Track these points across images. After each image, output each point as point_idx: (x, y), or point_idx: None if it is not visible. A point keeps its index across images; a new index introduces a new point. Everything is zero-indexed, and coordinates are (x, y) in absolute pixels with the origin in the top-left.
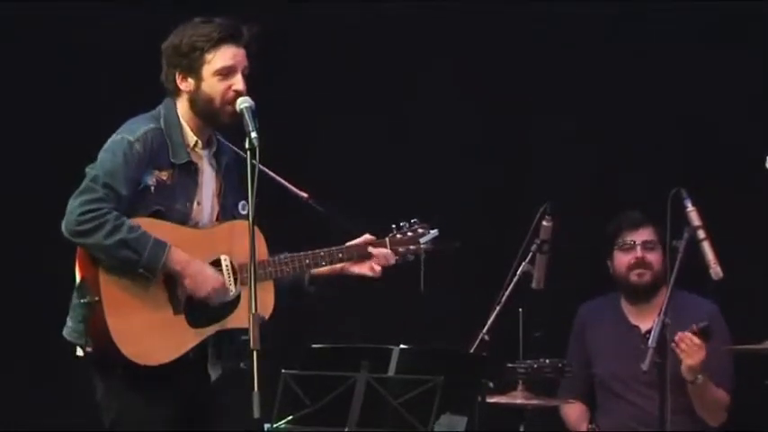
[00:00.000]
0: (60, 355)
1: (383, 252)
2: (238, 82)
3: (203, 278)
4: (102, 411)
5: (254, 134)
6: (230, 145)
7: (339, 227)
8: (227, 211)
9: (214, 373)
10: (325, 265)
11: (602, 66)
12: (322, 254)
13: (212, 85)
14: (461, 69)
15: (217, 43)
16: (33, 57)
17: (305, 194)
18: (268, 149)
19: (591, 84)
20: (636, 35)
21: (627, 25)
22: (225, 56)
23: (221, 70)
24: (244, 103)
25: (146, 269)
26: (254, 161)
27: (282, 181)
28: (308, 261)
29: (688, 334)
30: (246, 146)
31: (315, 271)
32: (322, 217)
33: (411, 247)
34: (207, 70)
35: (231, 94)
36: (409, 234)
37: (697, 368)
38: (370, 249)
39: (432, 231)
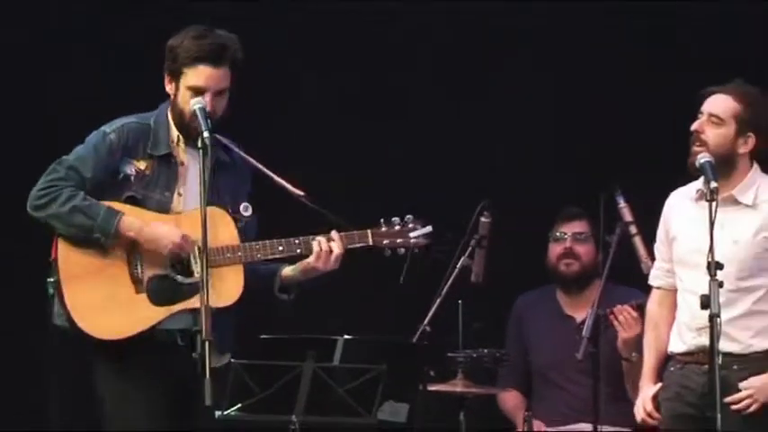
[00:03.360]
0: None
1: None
2: (207, 103)
3: (161, 236)
4: (96, 387)
5: (206, 134)
6: (235, 149)
7: (331, 224)
8: (213, 206)
9: (216, 361)
10: (300, 252)
11: (540, 64)
12: (297, 242)
13: (185, 99)
14: (402, 67)
15: (194, 61)
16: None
17: (300, 192)
18: (264, 145)
19: (529, 83)
20: (573, 35)
21: (561, 26)
22: (199, 76)
23: (192, 88)
24: (197, 104)
25: (100, 232)
26: (205, 156)
27: (277, 178)
28: (281, 248)
29: (626, 306)
30: (198, 145)
31: (286, 276)
32: (314, 214)
33: (399, 240)
34: (183, 83)
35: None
36: (397, 228)
37: (632, 343)
38: (319, 240)
39: (425, 228)
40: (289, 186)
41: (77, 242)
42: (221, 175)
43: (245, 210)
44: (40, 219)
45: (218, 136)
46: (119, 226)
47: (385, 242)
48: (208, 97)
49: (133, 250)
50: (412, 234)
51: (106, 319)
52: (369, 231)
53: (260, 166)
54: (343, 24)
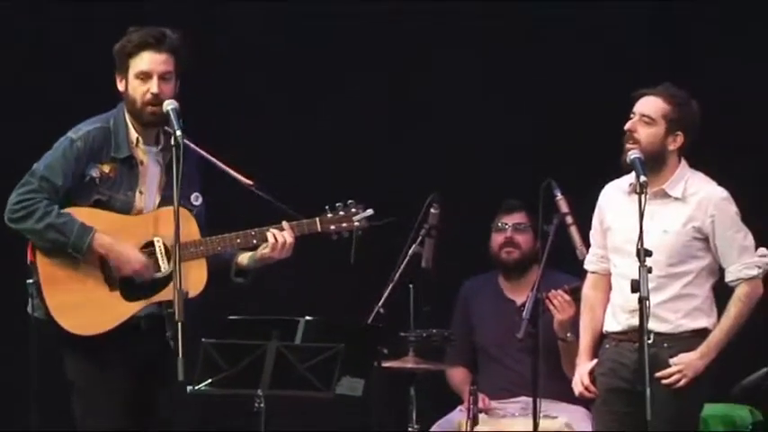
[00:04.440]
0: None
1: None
2: (153, 85)
3: (126, 259)
4: (66, 372)
5: (178, 132)
6: (188, 143)
7: (280, 211)
8: (169, 201)
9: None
10: (256, 243)
11: (484, 60)
12: (252, 233)
13: (134, 88)
14: (361, 60)
15: (138, 49)
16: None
17: (249, 181)
18: (216, 138)
19: (478, 82)
20: (526, 29)
21: (512, 16)
22: (143, 61)
23: (139, 74)
24: (170, 105)
25: (73, 249)
26: (178, 155)
27: (227, 168)
28: (239, 240)
29: (560, 291)
30: (172, 143)
31: (241, 263)
32: (265, 202)
33: (344, 224)
34: (131, 73)
35: (149, 96)
36: (341, 213)
37: (567, 324)
38: (273, 231)
39: (367, 210)
40: (237, 176)
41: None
42: (172, 171)
43: (196, 199)
44: (17, 230)
45: (167, 128)
46: (91, 244)
47: (332, 227)
48: (154, 81)
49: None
50: (355, 218)
51: (85, 318)
52: (317, 219)
53: (209, 157)
54: (305, 20)
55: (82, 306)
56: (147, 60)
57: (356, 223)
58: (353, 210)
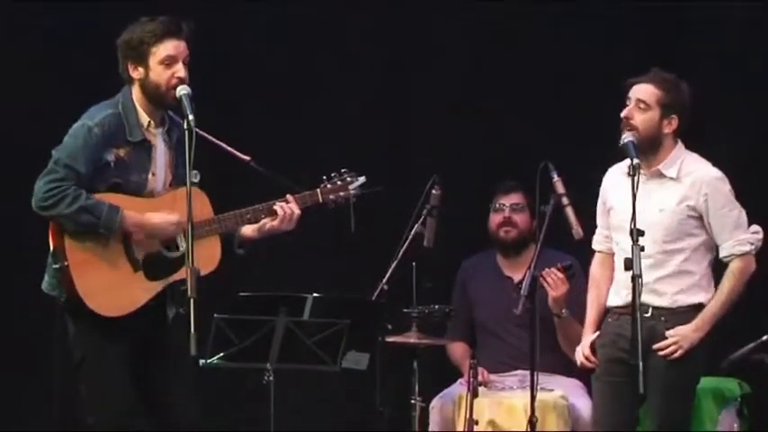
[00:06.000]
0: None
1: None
2: (180, 70)
3: (160, 226)
4: (73, 350)
5: (191, 116)
6: (182, 122)
7: (279, 184)
8: (178, 179)
9: (171, 313)
10: (264, 217)
11: (484, 43)
12: (260, 208)
13: (159, 73)
14: (352, 36)
15: (161, 38)
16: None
17: (247, 157)
18: (216, 122)
19: (479, 65)
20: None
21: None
22: (167, 48)
23: (165, 59)
24: (182, 90)
25: (104, 228)
26: (191, 139)
27: (226, 146)
28: (248, 216)
29: (553, 269)
30: (185, 126)
31: (244, 235)
32: (263, 177)
33: (341, 193)
34: (153, 60)
35: (175, 80)
36: (339, 183)
37: (561, 301)
38: (280, 204)
39: (360, 178)
40: (236, 152)
41: (81, 232)
42: (178, 150)
43: (195, 176)
44: (47, 216)
45: (170, 112)
46: (121, 221)
47: (331, 197)
48: (180, 65)
49: (127, 234)
50: (351, 186)
51: (113, 299)
52: (318, 191)
53: (207, 136)
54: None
55: (109, 288)
56: (172, 46)
57: (352, 191)
58: (349, 179)
